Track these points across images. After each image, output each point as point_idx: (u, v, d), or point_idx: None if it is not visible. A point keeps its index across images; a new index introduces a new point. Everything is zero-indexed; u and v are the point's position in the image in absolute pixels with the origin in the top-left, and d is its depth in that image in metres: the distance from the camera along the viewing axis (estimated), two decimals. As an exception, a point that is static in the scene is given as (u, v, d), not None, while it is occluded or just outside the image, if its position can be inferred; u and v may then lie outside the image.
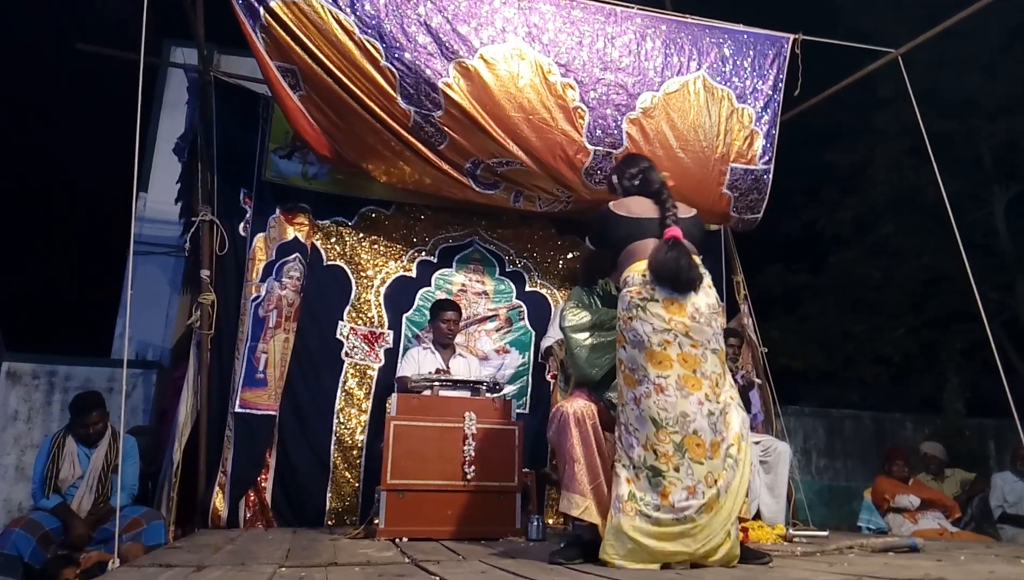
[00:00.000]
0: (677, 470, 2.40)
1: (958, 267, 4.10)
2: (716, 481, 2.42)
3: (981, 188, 9.37)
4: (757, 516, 4.08)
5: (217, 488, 4.10)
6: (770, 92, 4.47)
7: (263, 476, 4.23)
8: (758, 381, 4.71)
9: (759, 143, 4.43)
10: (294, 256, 4.51)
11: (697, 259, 2.63)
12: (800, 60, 4.53)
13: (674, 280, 2.52)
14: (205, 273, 4.31)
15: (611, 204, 2.84)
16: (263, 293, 4.41)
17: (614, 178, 3.01)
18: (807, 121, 5.17)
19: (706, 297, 2.58)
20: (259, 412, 4.25)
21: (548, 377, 4.84)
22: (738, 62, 4.46)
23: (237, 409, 4.21)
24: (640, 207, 2.78)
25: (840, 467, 8.14)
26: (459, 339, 4.62)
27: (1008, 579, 2.08)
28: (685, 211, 2.80)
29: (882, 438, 8.25)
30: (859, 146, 9.43)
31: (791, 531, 3.87)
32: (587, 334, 2.86)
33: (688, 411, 2.44)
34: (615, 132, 4.23)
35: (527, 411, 4.71)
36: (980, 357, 8.55)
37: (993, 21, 7.54)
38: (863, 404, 9.08)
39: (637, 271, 2.59)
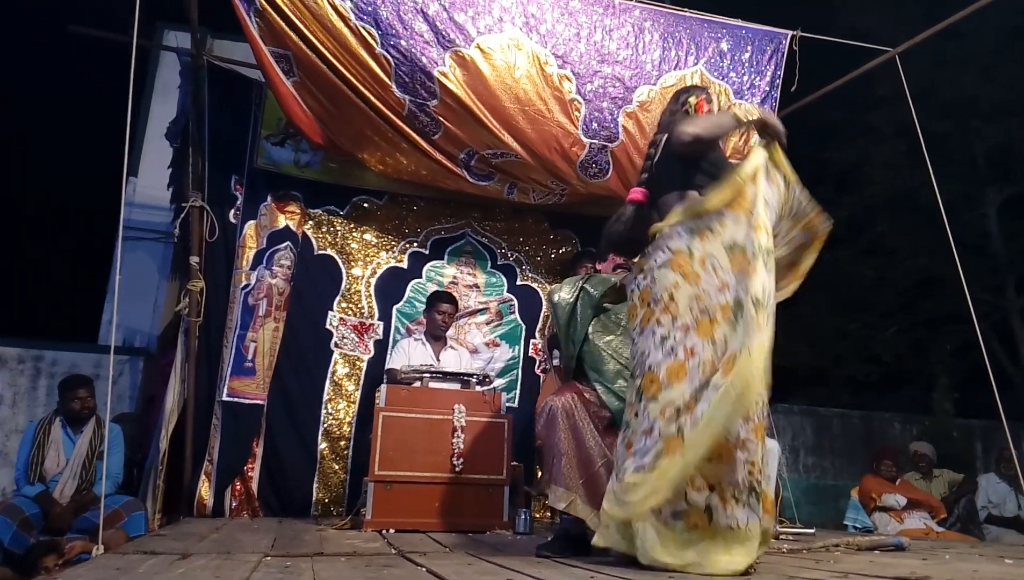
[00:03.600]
0: (636, 415, 2.26)
1: (950, 268, 4.10)
2: (677, 413, 2.14)
3: (975, 189, 9.39)
4: (745, 513, 4.07)
5: (203, 477, 4.08)
6: (767, 88, 4.46)
7: (250, 465, 4.20)
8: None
9: (755, 139, 4.40)
10: (285, 245, 4.48)
11: None
12: (797, 57, 4.52)
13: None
14: (194, 260, 4.27)
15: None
16: (253, 281, 4.37)
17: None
18: (804, 118, 5.15)
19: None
20: (247, 401, 4.22)
21: (538, 371, 4.83)
22: (736, 57, 4.44)
23: (225, 398, 4.18)
24: None
25: (828, 466, 8.17)
26: (450, 332, 4.59)
27: (992, 578, 2.08)
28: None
29: (870, 437, 8.28)
30: (855, 145, 9.44)
31: (778, 528, 3.88)
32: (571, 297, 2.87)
33: (646, 348, 2.30)
34: (611, 125, 4.20)
35: (516, 405, 4.69)
36: (970, 359, 8.59)
37: (991, 22, 7.55)
38: (853, 403, 9.11)
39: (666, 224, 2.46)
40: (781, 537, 3.70)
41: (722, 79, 4.39)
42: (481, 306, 4.88)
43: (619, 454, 2.30)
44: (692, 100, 2.73)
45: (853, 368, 9.85)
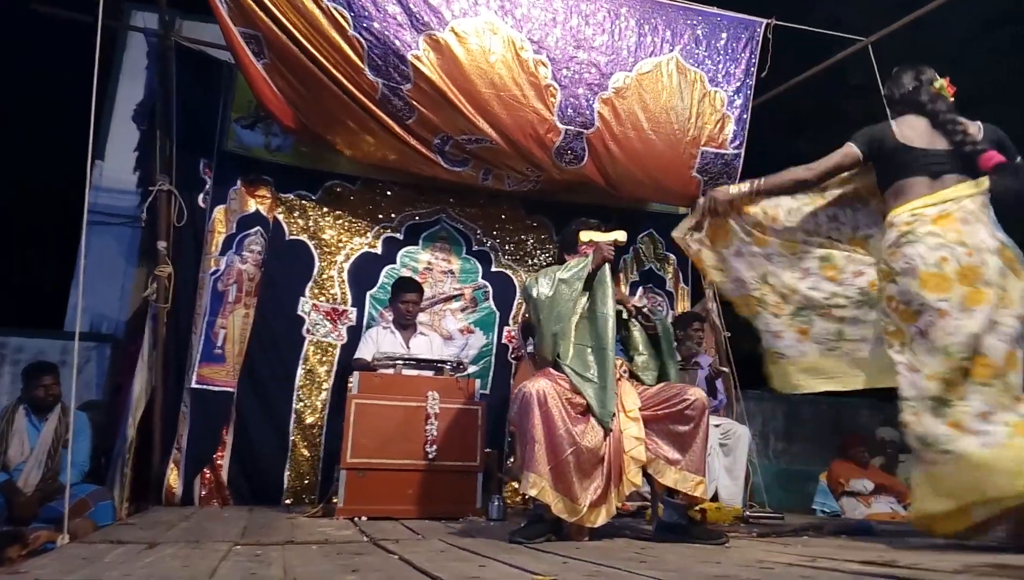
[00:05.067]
0: (963, 399, 2.31)
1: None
2: (1018, 400, 2.27)
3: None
4: (715, 498, 4.12)
5: (172, 465, 4.03)
6: (742, 76, 4.47)
7: (219, 453, 4.16)
8: (724, 370, 4.74)
9: (730, 127, 4.43)
10: (255, 229, 4.41)
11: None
12: (771, 45, 4.53)
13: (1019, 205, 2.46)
14: (162, 245, 4.19)
15: (893, 121, 2.71)
16: (223, 267, 4.30)
17: (887, 87, 2.88)
18: (778, 107, 5.18)
19: (971, 201, 2.49)
20: (216, 388, 4.16)
21: (511, 358, 4.82)
22: (711, 44, 4.44)
23: (194, 385, 4.12)
24: (916, 132, 2.66)
25: (797, 451, 8.27)
26: (423, 318, 4.56)
27: (956, 560, 2.12)
28: (973, 128, 2.64)
29: (839, 423, 8.39)
30: (828, 133, 9.50)
31: (748, 513, 3.92)
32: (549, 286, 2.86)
33: (974, 329, 2.33)
34: (587, 111, 4.19)
35: (489, 391, 4.69)
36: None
37: (962, 13, 7.62)
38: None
39: (906, 210, 2.52)
40: (751, 521, 3.74)
41: (697, 66, 4.39)
42: (456, 292, 4.86)
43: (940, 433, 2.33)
44: (938, 83, 2.77)
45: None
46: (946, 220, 2.46)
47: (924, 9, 4.20)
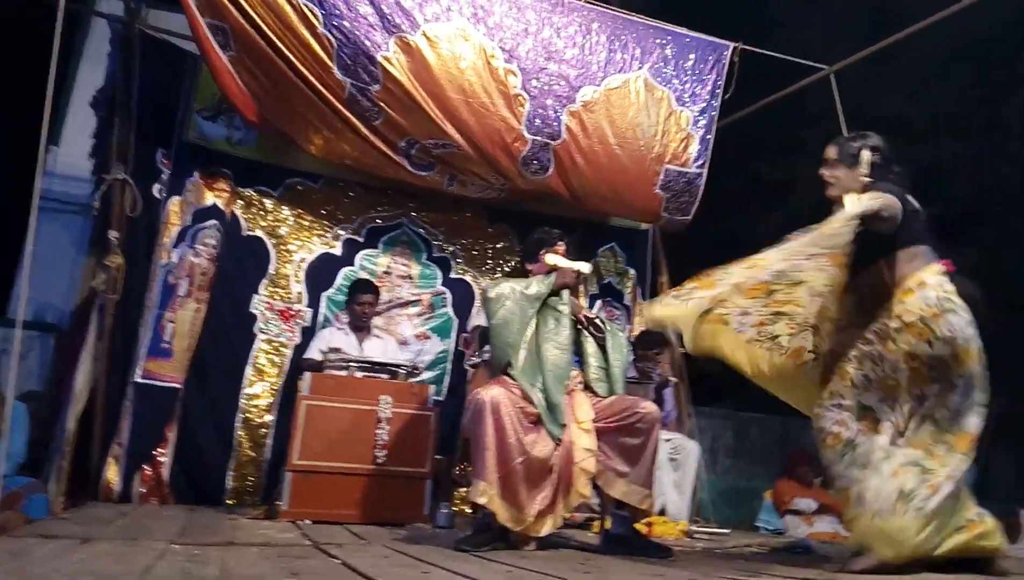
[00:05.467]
0: (944, 466, 2.39)
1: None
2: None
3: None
4: (662, 512, 4.16)
5: (111, 460, 3.91)
6: (708, 97, 4.55)
7: (161, 450, 4.04)
8: (673, 380, 4.79)
9: (694, 146, 4.50)
10: (211, 223, 4.32)
11: None
12: (736, 69, 4.62)
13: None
14: (114, 234, 4.08)
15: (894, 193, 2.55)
16: (175, 259, 4.21)
17: (867, 152, 2.68)
18: (740, 131, 5.28)
19: None
20: (162, 383, 4.06)
21: (467, 365, 4.80)
22: (679, 64, 4.51)
23: (139, 379, 4.02)
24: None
25: (744, 468, 8.39)
26: (378, 321, 4.52)
27: (894, 578, 2.17)
28: None
29: (786, 442, 8.53)
30: (788, 159, 9.71)
31: (693, 528, 3.97)
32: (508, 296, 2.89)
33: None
34: (554, 123, 4.22)
35: (444, 398, 4.66)
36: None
37: (925, 46, 7.88)
38: (772, 409, 9.37)
39: (935, 273, 2.51)
40: (696, 536, 3.78)
41: (665, 85, 4.46)
42: (414, 298, 4.82)
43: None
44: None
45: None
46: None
47: (886, 41, 4.32)
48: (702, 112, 4.52)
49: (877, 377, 2.48)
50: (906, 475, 2.34)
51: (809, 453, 6.55)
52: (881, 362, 2.48)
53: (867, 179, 2.64)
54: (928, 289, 2.47)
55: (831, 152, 2.78)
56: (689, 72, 4.51)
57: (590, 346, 3.02)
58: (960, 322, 2.43)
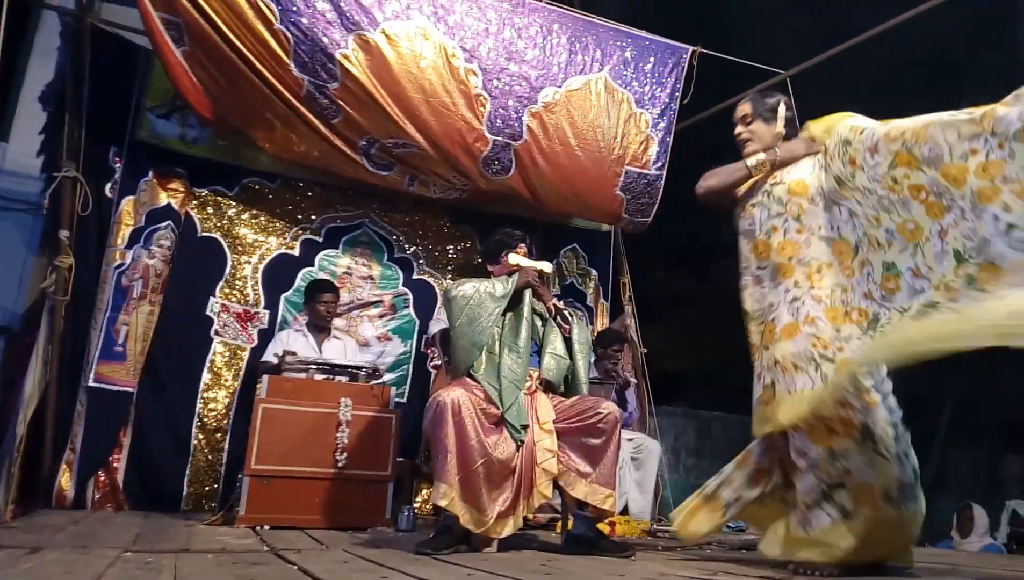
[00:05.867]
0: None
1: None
2: (775, 363, 2.28)
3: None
4: (624, 511, 4.18)
5: (64, 466, 3.81)
6: (667, 100, 4.59)
7: (116, 456, 3.95)
8: (634, 381, 4.82)
9: (654, 149, 4.54)
10: (166, 224, 4.22)
11: None
12: (695, 72, 4.67)
13: None
14: (64, 234, 3.97)
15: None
16: (128, 261, 4.10)
17: (783, 108, 2.71)
18: (699, 134, 5.34)
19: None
20: (115, 388, 3.96)
21: (430, 366, 4.78)
22: (639, 67, 4.55)
23: (91, 383, 3.91)
24: None
25: (707, 466, 8.49)
26: (339, 323, 4.47)
27: (854, 573, 2.20)
28: None
29: (748, 439, 8.66)
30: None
31: (655, 526, 4.00)
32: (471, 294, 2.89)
33: (775, 301, 2.41)
34: (515, 123, 4.21)
35: (406, 400, 4.62)
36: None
37: (876, 54, 8.07)
38: (730, 407, 9.51)
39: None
40: (658, 535, 3.81)
41: (625, 87, 4.49)
42: (375, 298, 4.78)
43: None
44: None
45: (733, 374, 10.28)
46: None
47: (840, 48, 4.41)
48: (661, 114, 4.57)
49: (908, 224, 2.14)
50: None
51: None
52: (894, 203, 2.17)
53: (783, 131, 2.66)
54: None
55: (746, 108, 2.75)
56: (649, 75, 4.55)
57: (556, 340, 3.01)
58: (761, 213, 2.49)
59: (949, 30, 7.55)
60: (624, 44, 4.55)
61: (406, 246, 4.93)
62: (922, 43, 7.81)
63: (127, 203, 4.20)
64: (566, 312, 3.08)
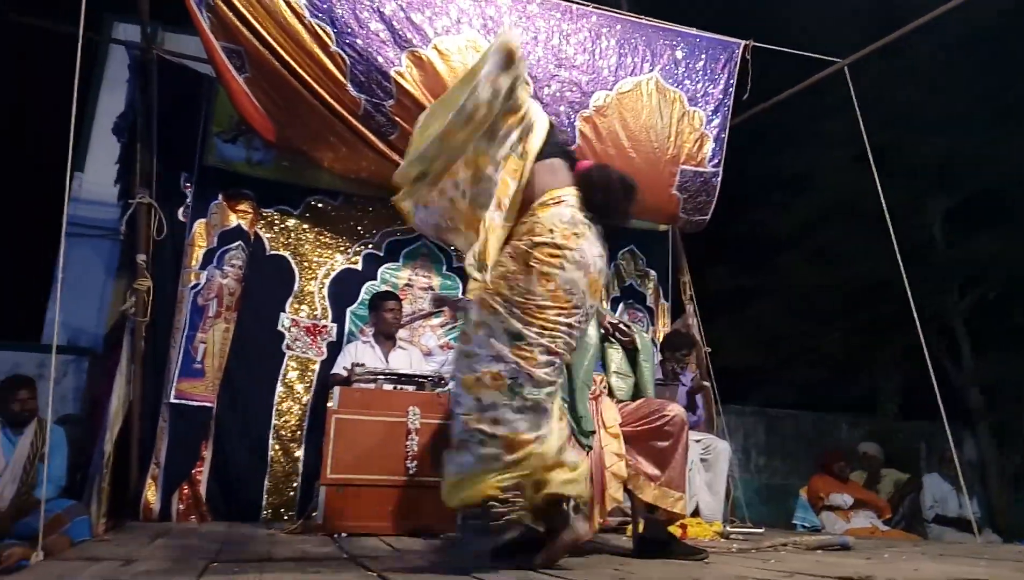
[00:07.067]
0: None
1: (896, 273, 4.22)
2: None
3: (919, 199, 9.67)
4: (695, 513, 4.13)
5: (149, 480, 3.98)
6: (721, 96, 4.54)
7: (198, 468, 4.11)
8: (705, 384, 4.76)
9: (709, 146, 4.49)
10: (236, 244, 4.39)
11: None
12: (750, 66, 4.60)
13: None
14: (141, 258, 4.16)
15: None
16: (203, 281, 4.28)
17: None
18: (756, 126, 5.26)
19: None
20: (195, 403, 4.13)
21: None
22: (690, 65, 4.51)
23: (172, 399, 4.09)
24: None
25: (778, 465, 8.31)
26: (403, 333, 4.56)
27: (932, 576, 2.15)
28: None
29: (819, 437, 8.45)
30: (806, 152, 9.64)
31: (728, 528, 3.94)
32: None
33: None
34: (568, 130, 4.23)
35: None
36: (914, 361, 8.83)
37: (934, 38, 7.80)
38: (800, 404, 9.30)
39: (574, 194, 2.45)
40: (731, 537, 3.76)
41: (677, 86, 4.46)
42: (436, 308, 4.86)
43: None
44: None
45: (801, 370, 10.05)
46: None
47: (896, 34, 4.29)
48: (715, 111, 4.52)
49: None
50: None
51: (843, 448, 6.52)
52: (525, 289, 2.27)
53: None
54: (562, 206, 2.32)
55: None
56: (701, 72, 4.51)
57: (612, 351, 3.01)
58: (588, 247, 2.30)
59: (1006, 9, 7.24)
60: (674, 43, 4.52)
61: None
62: (979, 25, 7.52)
63: (199, 226, 4.38)
64: (622, 325, 3.06)
